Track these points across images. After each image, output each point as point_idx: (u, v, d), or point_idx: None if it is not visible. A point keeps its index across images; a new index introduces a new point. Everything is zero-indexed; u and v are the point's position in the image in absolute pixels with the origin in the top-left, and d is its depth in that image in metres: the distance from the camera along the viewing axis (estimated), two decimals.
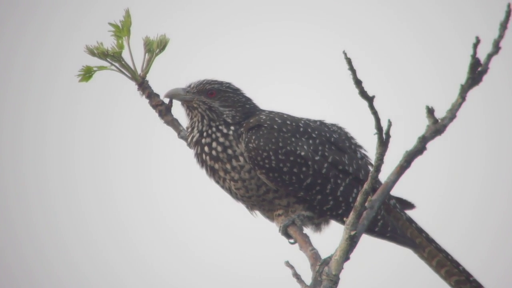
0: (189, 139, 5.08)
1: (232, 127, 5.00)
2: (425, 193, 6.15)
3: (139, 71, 5.19)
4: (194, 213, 6.54)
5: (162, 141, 5.92)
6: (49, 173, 6.98)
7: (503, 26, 4.12)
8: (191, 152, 5.09)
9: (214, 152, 4.98)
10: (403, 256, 5.35)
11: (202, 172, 5.05)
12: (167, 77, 5.41)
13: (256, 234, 5.93)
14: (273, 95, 6.01)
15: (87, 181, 6.91)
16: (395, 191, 4.58)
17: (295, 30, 7.08)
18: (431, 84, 6.68)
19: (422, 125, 4.33)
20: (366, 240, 5.10)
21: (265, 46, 7.03)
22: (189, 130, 5.08)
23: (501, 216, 6.67)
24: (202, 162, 5.02)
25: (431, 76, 6.77)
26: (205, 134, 5.01)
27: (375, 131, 4.23)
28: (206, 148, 4.99)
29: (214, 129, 5.01)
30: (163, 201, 6.72)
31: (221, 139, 4.98)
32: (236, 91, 5.10)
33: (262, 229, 5.30)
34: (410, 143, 4.36)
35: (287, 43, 7.05)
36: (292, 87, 6.72)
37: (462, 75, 4.22)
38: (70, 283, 6.77)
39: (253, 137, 4.92)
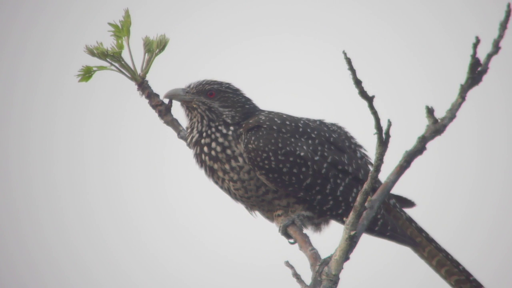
0: (188, 139, 5.08)
1: (231, 128, 5.00)
2: (425, 191, 6.16)
3: (138, 71, 5.19)
4: (195, 212, 6.55)
5: (162, 141, 5.93)
6: (56, 172, 6.99)
7: (503, 26, 4.12)
8: (190, 152, 5.09)
9: (213, 153, 4.97)
10: (403, 256, 5.36)
11: (202, 172, 5.05)
12: (166, 77, 5.42)
13: (256, 234, 5.94)
14: (273, 95, 6.02)
15: (93, 180, 6.93)
16: (395, 189, 4.58)
17: (295, 33, 7.09)
18: (431, 84, 6.68)
19: (422, 125, 4.33)
20: (366, 240, 5.11)
21: (265, 47, 7.04)
22: (189, 130, 5.08)
23: (499, 214, 6.68)
24: (201, 162, 5.01)
25: (431, 76, 6.77)
26: (204, 134, 5.01)
27: (375, 131, 4.24)
28: (205, 148, 4.99)
29: (213, 129, 5.00)
30: (169, 198, 6.73)
31: (221, 139, 4.98)
32: (236, 92, 5.09)
33: (262, 229, 5.30)
34: (410, 143, 4.36)
35: (288, 44, 7.06)
36: (292, 88, 6.73)
37: (462, 75, 4.23)
38: (79, 283, 6.79)
39: (253, 138, 4.91)
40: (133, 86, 5.22)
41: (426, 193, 6.20)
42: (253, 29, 7.07)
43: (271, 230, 5.11)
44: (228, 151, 4.96)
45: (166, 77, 5.39)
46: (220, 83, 5.09)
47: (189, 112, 5.07)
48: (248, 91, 5.13)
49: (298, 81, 6.85)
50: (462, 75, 4.22)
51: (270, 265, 5.96)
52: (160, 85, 5.19)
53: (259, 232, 5.64)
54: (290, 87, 6.76)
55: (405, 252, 5.20)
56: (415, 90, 6.73)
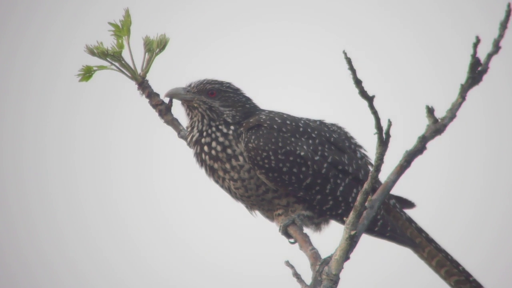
0: (188, 139, 5.08)
1: (232, 127, 5.00)
2: (425, 192, 6.16)
3: (139, 70, 5.18)
4: (195, 212, 6.54)
5: (162, 141, 5.92)
6: (49, 172, 6.98)
7: (503, 26, 4.12)
8: (191, 152, 5.09)
9: (213, 152, 4.97)
10: (402, 256, 5.36)
11: (202, 171, 5.05)
12: (167, 76, 5.41)
13: (256, 234, 5.93)
14: (272, 95, 6.02)
15: (87, 180, 6.92)
16: (395, 190, 4.58)
17: (295, 31, 7.09)
18: (431, 84, 6.69)
19: (422, 124, 4.33)
20: (366, 240, 5.11)
21: (264, 46, 7.03)
22: (189, 129, 5.08)
23: (501, 215, 6.68)
24: (202, 162, 5.01)
25: (431, 76, 6.77)
26: (205, 133, 5.01)
27: (375, 131, 4.24)
28: (205, 148, 4.99)
29: (214, 128, 5.00)
30: (163, 200, 6.72)
31: (221, 139, 4.98)
32: (236, 91, 5.09)
33: (262, 228, 5.30)
34: (410, 143, 4.36)
35: (287, 44, 7.06)
36: (292, 87, 6.72)
37: (462, 75, 4.23)
38: (70, 283, 6.78)
39: (253, 137, 4.91)
40: (133, 85, 5.22)
41: (427, 193, 6.21)
42: (251, 20, 7.07)
43: (271, 229, 5.11)
44: (229, 151, 4.96)
45: (166, 77, 5.39)
46: (221, 83, 5.09)
47: (190, 111, 5.07)
48: (248, 87, 5.14)
49: (298, 75, 6.85)
50: (462, 75, 4.23)
51: (270, 265, 5.96)
52: (160, 85, 5.19)
53: (258, 231, 5.64)
54: (291, 81, 6.76)
55: (404, 252, 5.20)
56: (416, 90, 6.73)
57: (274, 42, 7.06)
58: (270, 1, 7.22)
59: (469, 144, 6.62)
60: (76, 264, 6.83)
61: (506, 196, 6.67)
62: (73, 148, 6.95)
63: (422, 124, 4.33)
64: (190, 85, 5.08)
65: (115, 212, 6.83)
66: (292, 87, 6.74)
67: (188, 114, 5.09)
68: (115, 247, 6.80)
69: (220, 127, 5.00)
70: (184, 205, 6.58)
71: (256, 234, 5.94)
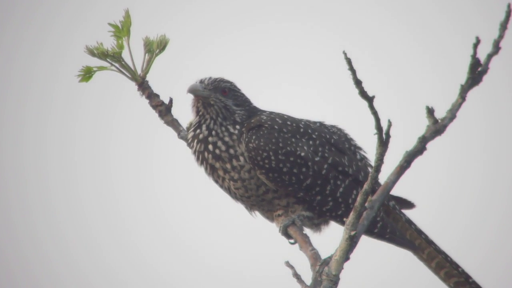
0: (191, 134, 5.00)
1: (237, 126, 4.97)
2: (425, 192, 6.16)
3: (139, 71, 5.18)
4: (195, 213, 6.54)
5: (162, 142, 5.92)
6: (50, 173, 6.98)
7: (503, 26, 4.13)
8: (191, 149, 5.03)
9: (217, 151, 4.94)
10: (402, 257, 5.36)
11: (201, 170, 5.02)
12: (167, 77, 5.41)
13: (256, 234, 5.94)
14: (272, 96, 6.02)
15: (88, 181, 6.92)
16: (395, 191, 4.58)
17: (294, 31, 7.09)
18: (431, 84, 6.69)
19: (422, 125, 4.34)
20: (366, 240, 5.11)
21: (264, 46, 7.04)
22: (195, 126, 5.01)
23: (500, 216, 6.68)
24: (203, 160, 4.98)
25: (431, 76, 6.77)
26: (213, 132, 4.96)
27: (375, 131, 4.24)
28: (210, 146, 4.95)
29: (223, 128, 4.96)
30: (163, 201, 6.72)
31: (227, 138, 4.95)
32: (241, 91, 5.08)
33: (262, 229, 5.30)
34: (410, 143, 4.37)
35: (287, 44, 7.06)
36: (291, 88, 6.73)
37: (462, 75, 4.23)
38: (71, 283, 6.78)
39: (254, 137, 4.91)
40: (133, 86, 5.22)
41: (426, 194, 6.21)
42: (251, 21, 7.07)
43: (271, 230, 5.11)
44: (231, 150, 4.95)
45: (166, 77, 5.39)
46: (230, 82, 5.06)
47: (203, 108, 5.00)
48: (248, 87, 5.14)
49: (297, 75, 6.86)
50: (462, 75, 4.23)
51: (270, 265, 5.96)
52: (160, 85, 5.19)
53: (258, 232, 5.64)
54: (290, 82, 6.77)
55: (404, 253, 5.20)
56: (416, 90, 6.73)
57: (274, 42, 7.06)
58: (269, 2, 7.22)
59: (469, 145, 6.63)
60: (76, 264, 6.83)
61: (506, 196, 6.68)
62: (73, 148, 6.96)
63: (422, 125, 4.34)
64: (202, 82, 5.02)
65: (115, 212, 6.84)
66: (292, 88, 6.74)
67: (198, 111, 5.00)
68: (115, 247, 6.80)
69: (228, 126, 4.97)
70: (184, 205, 6.58)
71: (256, 235, 5.95)
